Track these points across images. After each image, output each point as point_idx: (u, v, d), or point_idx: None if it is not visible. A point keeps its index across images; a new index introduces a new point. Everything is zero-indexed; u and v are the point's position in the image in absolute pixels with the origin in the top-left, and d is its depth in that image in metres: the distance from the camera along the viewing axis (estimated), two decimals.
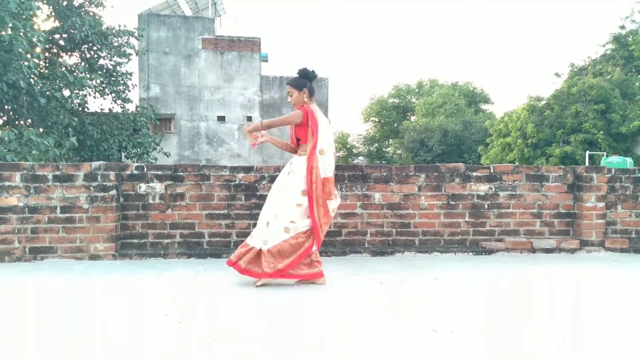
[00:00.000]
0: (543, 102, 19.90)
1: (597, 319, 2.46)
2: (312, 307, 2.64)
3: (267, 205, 3.20)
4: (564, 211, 4.54)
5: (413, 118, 35.59)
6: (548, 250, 4.35)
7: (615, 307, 2.68)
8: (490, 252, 4.31)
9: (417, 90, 38.28)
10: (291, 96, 3.24)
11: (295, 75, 3.25)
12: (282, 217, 3.07)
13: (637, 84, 19.33)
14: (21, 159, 6.24)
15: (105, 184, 3.97)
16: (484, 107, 36.65)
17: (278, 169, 4.28)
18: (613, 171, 4.62)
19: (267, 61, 24.16)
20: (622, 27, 20.79)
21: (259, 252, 3.07)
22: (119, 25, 11.83)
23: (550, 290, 3.06)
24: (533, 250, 4.33)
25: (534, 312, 2.56)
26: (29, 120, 9.35)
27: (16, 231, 3.89)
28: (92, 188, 3.96)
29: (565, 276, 3.45)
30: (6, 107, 9.08)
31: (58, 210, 3.93)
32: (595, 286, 3.21)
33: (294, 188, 3.11)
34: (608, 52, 21.51)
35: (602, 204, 4.42)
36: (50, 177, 3.94)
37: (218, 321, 2.38)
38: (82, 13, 10.99)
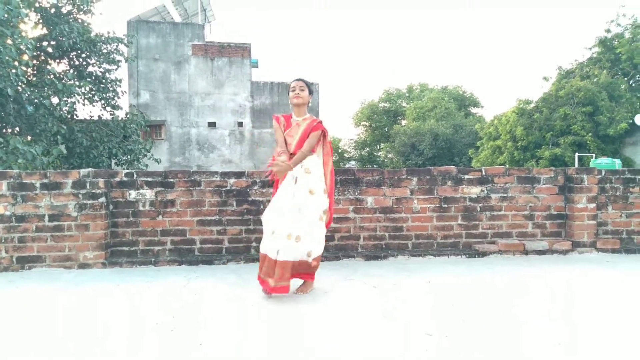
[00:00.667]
0: (532, 105, 20.08)
1: (591, 320, 2.46)
2: (307, 312, 2.60)
3: (294, 212, 2.91)
4: (555, 213, 4.56)
5: (404, 122, 35.75)
6: (540, 252, 4.36)
7: (609, 308, 2.69)
8: (483, 254, 4.31)
9: (407, 95, 38.48)
10: (302, 91, 3.10)
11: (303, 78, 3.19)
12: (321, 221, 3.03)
13: (622, 86, 19.59)
14: (7, 168, 6.14)
15: (94, 191, 3.91)
16: (473, 110, 36.91)
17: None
18: (603, 172, 4.65)
19: (257, 67, 24.16)
20: (608, 31, 21.11)
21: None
22: (108, 32, 11.74)
23: (544, 292, 3.06)
24: (526, 252, 4.34)
25: (528, 315, 2.55)
26: (17, 129, 9.23)
27: (3, 240, 3.81)
28: (80, 196, 3.90)
29: (558, 278, 3.46)
30: None
31: (46, 218, 3.86)
32: (589, 287, 3.21)
33: (318, 189, 3.02)
34: (594, 55, 21.80)
35: (593, 205, 4.45)
36: (37, 185, 3.87)
37: (211, 329, 2.33)
38: (71, 20, 10.88)
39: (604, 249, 4.46)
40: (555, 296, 2.94)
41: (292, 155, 3.04)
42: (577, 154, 16.88)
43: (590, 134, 17.31)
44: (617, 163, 14.64)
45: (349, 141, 40.15)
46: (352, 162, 38.48)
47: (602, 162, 14.31)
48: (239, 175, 4.28)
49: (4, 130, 9.32)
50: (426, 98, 33.61)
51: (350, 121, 40.94)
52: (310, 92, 3.17)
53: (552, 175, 4.57)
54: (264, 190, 4.24)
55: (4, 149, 6.69)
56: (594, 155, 16.65)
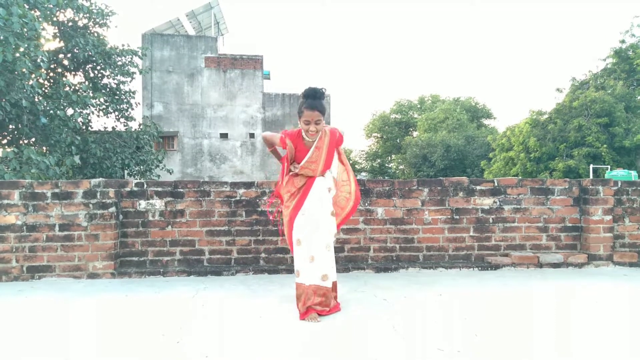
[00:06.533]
0: (545, 116, 19.91)
1: (609, 337, 2.37)
2: (316, 325, 2.55)
3: (312, 233, 2.79)
4: (570, 225, 4.46)
5: (415, 133, 35.69)
6: (555, 265, 4.25)
7: (626, 324, 2.59)
8: (496, 267, 4.22)
9: (418, 106, 38.45)
10: (318, 124, 2.74)
11: (309, 92, 2.75)
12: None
13: (639, 97, 19.33)
14: (20, 178, 6.22)
15: (104, 201, 3.92)
16: (486, 122, 36.74)
17: None
18: (619, 184, 4.54)
19: (269, 78, 24.40)
20: (622, 42, 20.92)
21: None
22: (123, 45, 11.94)
23: (560, 306, 2.97)
24: (540, 265, 4.24)
25: (543, 330, 2.47)
26: (32, 140, 9.38)
27: (14, 250, 3.83)
28: (91, 205, 3.91)
29: (574, 291, 3.36)
30: (10, 126, 9.12)
31: (56, 228, 3.88)
32: (607, 302, 3.11)
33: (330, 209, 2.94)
34: (609, 66, 21.59)
35: (609, 217, 4.34)
36: (49, 194, 3.90)
37: (217, 341, 2.30)
38: (87, 33, 11.10)
39: (621, 262, 4.34)
40: (572, 311, 2.85)
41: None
42: (591, 166, 16.64)
43: (605, 146, 17.06)
44: (633, 175, 14.38)
45: (360, 152, 40.16)
46: (364, 174, 38.43)
47: (618, 174, 14.07)
48: (248, 185, 4.27)
49: (20, 141, 9.48)
50: (438, 109, 33.54)
51: (361, 132, 40.96)
52: (324, 112, 2.78)
53: (567, 187, 4.48)
54: (273, 201, 4.21)
55: (19, 159, 6.79)
56: (609, 167, 16.39)
